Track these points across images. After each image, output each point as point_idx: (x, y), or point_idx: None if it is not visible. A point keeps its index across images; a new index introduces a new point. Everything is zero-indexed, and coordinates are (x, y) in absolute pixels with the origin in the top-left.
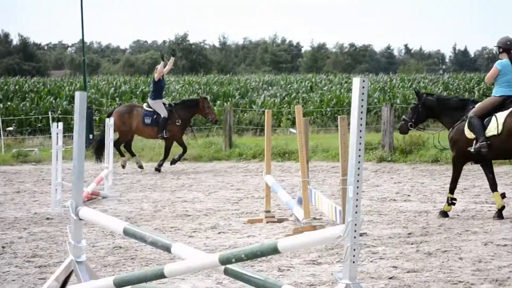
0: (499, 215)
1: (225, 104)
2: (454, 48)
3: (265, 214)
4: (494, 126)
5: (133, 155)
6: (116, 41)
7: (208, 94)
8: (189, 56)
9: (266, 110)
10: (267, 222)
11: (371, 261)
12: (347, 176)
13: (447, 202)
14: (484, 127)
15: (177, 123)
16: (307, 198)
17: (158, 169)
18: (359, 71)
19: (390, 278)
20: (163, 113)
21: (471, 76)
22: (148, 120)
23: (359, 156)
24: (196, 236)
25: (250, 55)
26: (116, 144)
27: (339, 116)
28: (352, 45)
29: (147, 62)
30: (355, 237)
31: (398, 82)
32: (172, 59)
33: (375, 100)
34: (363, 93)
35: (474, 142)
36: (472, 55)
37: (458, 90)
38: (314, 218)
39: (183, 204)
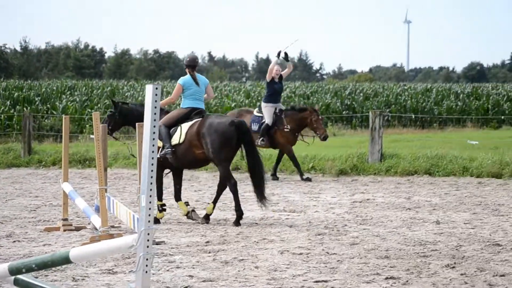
0: (192, 217)
1: (24, 109)
2: (257, 56)
3: (63, 222)
4: (178, 136)
5: None
6: None
7: (8, 99)
8: None
9: (64, 116)
10: (65, 231)
11: (167, 270)
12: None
13: (158, 209)
14: (170, 136)
15: (286, 129)
16: (104, 206)
17: (275, 177)
18: (163, 77)
19: (186, 287)
20: (268, 119)
21: None
22: (255, 127)
23: (152, 164)
24: None
25: (52, 60)
26: None
27: (137, 123)
28: (156, 51)
29: None
30: (148, 247)
31: None
32: (289, 64)
33: None
34: (156, 101)
35: (161, 149)
36: None
37: (259, 98)
38: (112, 227)
39: None
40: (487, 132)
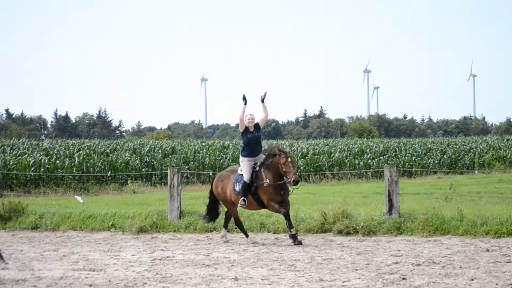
0: None
1: None
2: (56, 114)
3: None
4: None
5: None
6: None
7: None
8: None
9: None
10: None
11: None
12: None
13: None
14: None
15: (265, 184)
16: None
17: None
18: None
19: None
20: (245, 176)
21: (72, 142)
22: (238, 187)
23: None
24: None
25: None
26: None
27: None
28: None
29: None
30: None
31: None
32: (262, 105)
33: None
34: None
35: None
36: (74, 121)
37: (58, 156)
38: None
39: None
40: None
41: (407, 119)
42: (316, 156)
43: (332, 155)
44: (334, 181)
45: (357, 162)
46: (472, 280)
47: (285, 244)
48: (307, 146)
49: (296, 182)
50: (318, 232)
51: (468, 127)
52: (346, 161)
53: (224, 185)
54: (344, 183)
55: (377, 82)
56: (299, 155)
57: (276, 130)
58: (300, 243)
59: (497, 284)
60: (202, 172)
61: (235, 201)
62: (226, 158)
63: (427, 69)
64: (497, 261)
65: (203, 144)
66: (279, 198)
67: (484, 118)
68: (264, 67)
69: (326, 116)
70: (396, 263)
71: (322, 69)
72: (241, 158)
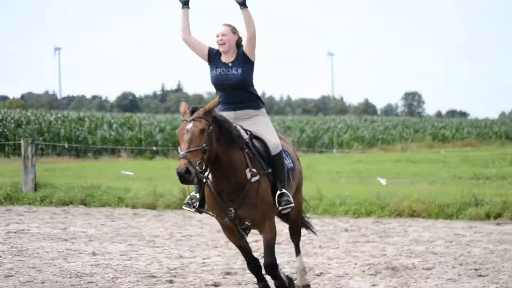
0: None
1: None
2: None
3: None
4: None
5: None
6: None
7: None
8: None
9: None
10: None
11: None
12: None
13: None
14: None
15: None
16: None
17: None
18: None
19: None
20: None
21: None
22: None
23: None
24: None
25: None
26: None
27: None
28: None
29: None
30: None
31: None
32: (243, 13)
33: None
34: None
35: None
36: None
37: None
38: None
39: None
40: (141, 163)
41: (266, 96)
42: (174, 131)
43: None
44: None
45: None
46: (332, 259)
47: (144, 219)
48: (165, 120)
49: (179, 175)
50: (177, 208)
51: (327, 106)
52: None
53: None
54: None
55: None
56: (157, 130)
57: (133, 103)
58: None
59: (356, 263)
60: (57, 144)
61: None
62: (82, 130)
63: (287, 48)
64: (356, 241)
65: (58, 115)
66: (225, 212)
67: (342, 98)
68: (121, 38)
69: (184, 91)
70: (256, 241)
71: (181, 44)
72: None
